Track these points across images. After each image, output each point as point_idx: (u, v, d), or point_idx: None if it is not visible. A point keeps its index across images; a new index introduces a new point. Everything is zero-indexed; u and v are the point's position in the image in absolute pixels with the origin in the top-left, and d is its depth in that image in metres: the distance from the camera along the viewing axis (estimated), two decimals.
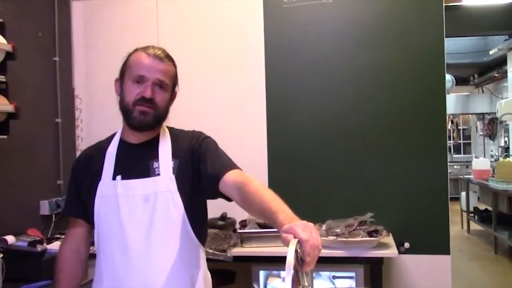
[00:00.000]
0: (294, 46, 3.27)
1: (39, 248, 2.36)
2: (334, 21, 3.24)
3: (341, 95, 3.22)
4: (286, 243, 1.13)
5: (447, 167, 3.12)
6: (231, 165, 1.58)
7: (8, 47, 2.50)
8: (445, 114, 3.12)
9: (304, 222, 1.20)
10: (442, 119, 3.12)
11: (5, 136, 2.53)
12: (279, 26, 3.30)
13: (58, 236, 2.98)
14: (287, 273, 1.05)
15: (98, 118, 3.47)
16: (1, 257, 2.18)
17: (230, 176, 1.54)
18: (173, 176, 1.58)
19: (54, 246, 2.56)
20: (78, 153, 3.44)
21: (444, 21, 3.10)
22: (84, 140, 3.48)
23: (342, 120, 3.22)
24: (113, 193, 1.59)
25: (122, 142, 1.68)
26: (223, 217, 3.04)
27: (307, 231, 1.16)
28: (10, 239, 2.39)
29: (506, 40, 7.33)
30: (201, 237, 1.67)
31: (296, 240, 1.13)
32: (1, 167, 2.75)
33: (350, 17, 3.23)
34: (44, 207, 3.08)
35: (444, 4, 3.11)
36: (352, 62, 3.21)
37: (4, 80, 2.52)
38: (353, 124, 3.20)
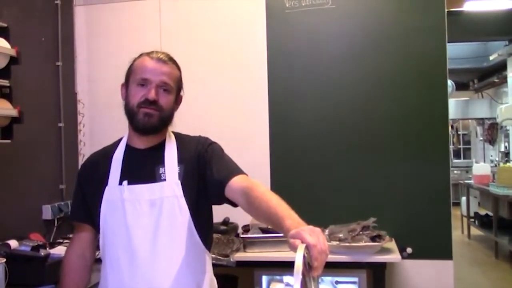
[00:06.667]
0: (297, 51, 3.28)
1: (42, 252, 2.36)
2: (337, 26, 3.25)
3: (343, 100, 3.23)
4: (294, 248, 1.13)
5: (449, 172, 3.12)
6: (237, 171, 1.59)
7: (12, 52, 2.50)
8: (447, 119, 3.13)
9: (311, 227, 1.20)
10: (444, 124, 3.13)
11: (8, 140, 2.54)
12: (281, 31, 3.31)
13: (61, 240, 2.97)
14: (296, 278, 1.04)
15: (101, 122, 3.48)
16: (4, 262, 2.18)
17: (236, 182, 1.54)
18: (179, 182, 1.59)
19: (57, 250, 2.56)
20: (80, 158, 3.46)
21: (446, 26, 3.11)
22: (87, 145, 3.49)
23: (345, 125, 3.22)
24: (119, 198, 1.59)
25: (128, 147, 1.68)
26: (226, 222, 3.05)
27: (314, 236, 1.16)
28: (13, 243, 2.39)
29: (506, 45, 7.35)
30: (207, 242, 1.67)
31: (304, 245, 1.13)
32: (4, 171, 2.75)
33: (353, 22, 3.24)
34: (47, 212, 3.07)
35: (446, 10, 3.12)
36: (355, 67, 3.22)
37: (8, 84, 2.53)
38: (356, 128, 3.21)
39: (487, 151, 11.36)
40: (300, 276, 1.04)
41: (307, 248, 1.13)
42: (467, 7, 5.40)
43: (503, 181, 6.18)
